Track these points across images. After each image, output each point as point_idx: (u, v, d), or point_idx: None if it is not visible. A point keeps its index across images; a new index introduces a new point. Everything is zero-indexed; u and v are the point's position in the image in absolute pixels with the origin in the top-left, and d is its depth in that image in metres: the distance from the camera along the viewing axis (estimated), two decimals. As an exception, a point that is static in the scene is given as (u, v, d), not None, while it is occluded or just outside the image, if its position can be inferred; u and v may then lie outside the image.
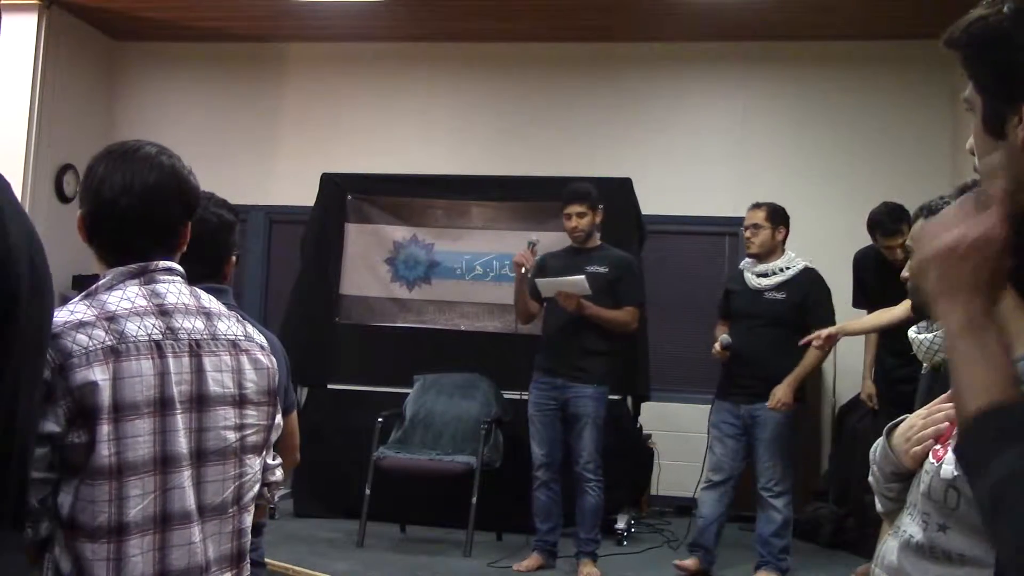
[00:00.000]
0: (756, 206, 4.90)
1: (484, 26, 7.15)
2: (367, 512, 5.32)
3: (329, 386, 6.20)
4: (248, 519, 1.70)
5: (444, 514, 5.60)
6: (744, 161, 7.07)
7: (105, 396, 1.48)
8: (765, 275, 4.81)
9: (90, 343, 1.49)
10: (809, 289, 4.77)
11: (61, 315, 1.51)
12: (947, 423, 1.41)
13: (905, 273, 2.30)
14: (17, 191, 6.54)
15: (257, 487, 1.74)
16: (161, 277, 1.63)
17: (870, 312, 4.87)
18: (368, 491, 5.32)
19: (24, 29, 6.98)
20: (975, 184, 1.51)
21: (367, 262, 6.37)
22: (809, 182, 7.00)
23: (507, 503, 5.37)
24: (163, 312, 1.60)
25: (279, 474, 2.09)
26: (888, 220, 4.70)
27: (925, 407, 1.48)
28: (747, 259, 4.94)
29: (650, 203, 6.29)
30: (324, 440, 5.92)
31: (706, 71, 7.30)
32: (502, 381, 5.70)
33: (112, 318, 1.53)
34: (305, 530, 5.63)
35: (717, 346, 4.83)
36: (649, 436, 6.47)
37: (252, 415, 1.70)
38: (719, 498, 4.81)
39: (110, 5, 7.12)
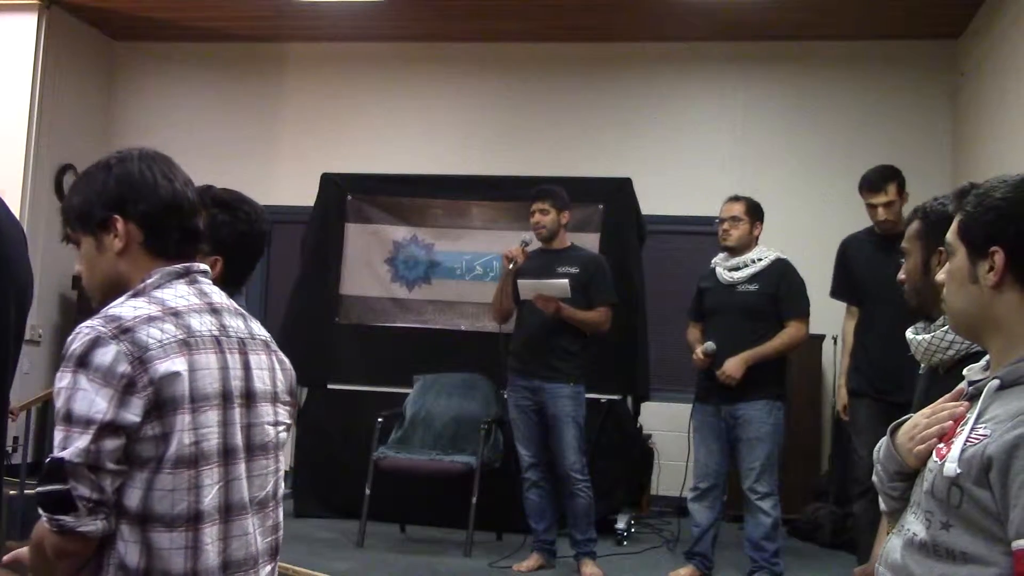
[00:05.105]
0: (735, 199, 4.79)
1: (484, 26, 7.15)
2: (367, 512, 5.31)
3: (329, 386, 6.19)
4: (281, 514, 1.76)
5: (444, 514, 5.60)
6: (744, 161, 7.07)
7: (186, 386, 1.52)
8: (737, 268, 4.73)
9: (163, 336, 1.53)
10: (780, 279, 4.67)
11: (124, 310, 1.54)
12: (951, 422, 1.41)
13: (901, 275, 2.24)
14: (17, 191, 6.49)
15: (283, 483, 1.79)
16: (201, 278, 1.68)
17: (851, 304, 4.62)
18: (368, 491, 5.31)
19: (24, 29, 6.99)
20: (973, 187, 1.51)
21: (367, 262, 6.36)
22: (809, 182, 7.00)
23: (507, 503, 5.36)
24: (214, 310, 1.65)
25: None
26: (875, 175, 4.47)
27: (929, 407, 1.48)
28: (719, 254, 4.84)
29: (650, 203, 6.28)
30: (324, 440, 5.93)
31: (706, 71, 7.30)
32: (502, 381, 5.69)
33: (176, 313, 1.58)
34: (305, 530, 5.63)
35: (699, 352, 4.68)
36: (649, 436, 6.46)
37: (283, 413, 1.75)
38: (710, 505, 4.75)
39: (110, 5, 7.12)
